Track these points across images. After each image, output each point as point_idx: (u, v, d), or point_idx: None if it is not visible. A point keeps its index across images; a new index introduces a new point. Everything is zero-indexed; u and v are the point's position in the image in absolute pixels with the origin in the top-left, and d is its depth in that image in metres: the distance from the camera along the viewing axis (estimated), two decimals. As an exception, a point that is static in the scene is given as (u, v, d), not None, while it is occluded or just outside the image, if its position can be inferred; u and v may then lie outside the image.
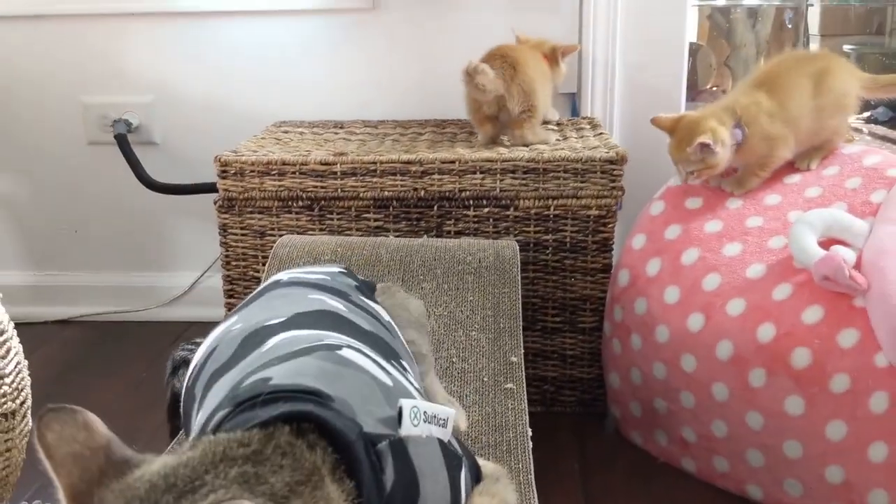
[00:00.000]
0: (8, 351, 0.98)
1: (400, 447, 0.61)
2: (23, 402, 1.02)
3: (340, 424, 0.57)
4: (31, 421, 1.05)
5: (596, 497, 1.29)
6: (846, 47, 3.17)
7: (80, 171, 1.97)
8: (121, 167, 1.85)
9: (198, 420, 0.70)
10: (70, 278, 2.04)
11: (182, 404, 0.82)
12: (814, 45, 3.15)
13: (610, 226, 1.46)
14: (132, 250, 2.02)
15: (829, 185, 1.35)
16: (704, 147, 1.30)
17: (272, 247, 1.38)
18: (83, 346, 1.89)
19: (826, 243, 1.22)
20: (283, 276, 0.94)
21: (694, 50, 2.90)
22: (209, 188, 1.67)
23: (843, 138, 1.43)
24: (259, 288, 0.92)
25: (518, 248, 1.34)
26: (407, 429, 0.61)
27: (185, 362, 1.07)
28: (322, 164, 1.45)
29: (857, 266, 1.17)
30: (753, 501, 1.26)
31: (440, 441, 0.65)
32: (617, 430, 1.48)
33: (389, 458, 0.60)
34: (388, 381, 0.67)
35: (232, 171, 1.47)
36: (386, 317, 0.92)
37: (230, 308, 1.52)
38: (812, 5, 3.06)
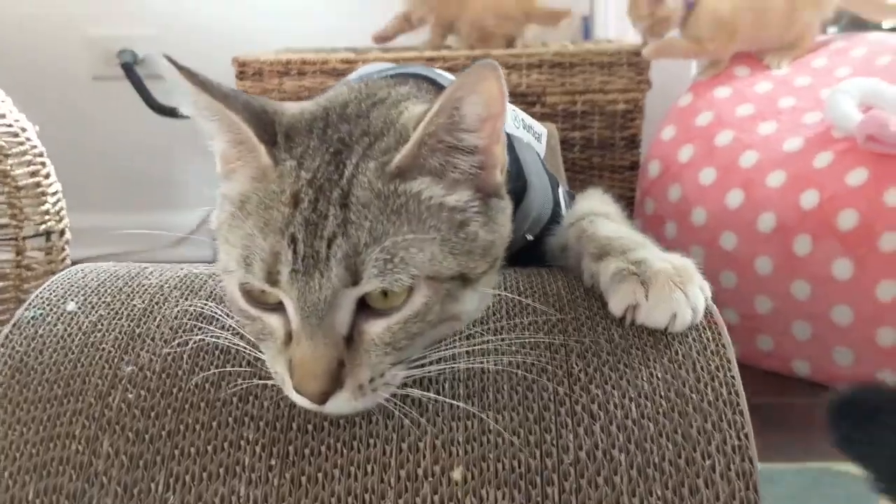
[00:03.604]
0: (48, 175, 0.97)
1: (508, 138, 0.62)
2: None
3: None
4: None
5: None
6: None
7: (86, 107, 1.92)
8: (127, 100, 1.80)
9: None
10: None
11: None
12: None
13: (637, 121, 1.44)
14: (141, 188, 1.97)
15: (859, 63, 1.34)
16: None
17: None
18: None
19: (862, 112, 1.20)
20: None
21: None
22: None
23: (814, 38, 1.43)
24: None
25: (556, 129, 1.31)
26: (510, 128, 0.64)
27: None
28: (344, 62, 1.42)
29: None
30: (800, 378, 1.23)
31: (538, 154, 0.68)
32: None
33: None
34: None
35: (250, 72, 1.43)
36: None
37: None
38: None
